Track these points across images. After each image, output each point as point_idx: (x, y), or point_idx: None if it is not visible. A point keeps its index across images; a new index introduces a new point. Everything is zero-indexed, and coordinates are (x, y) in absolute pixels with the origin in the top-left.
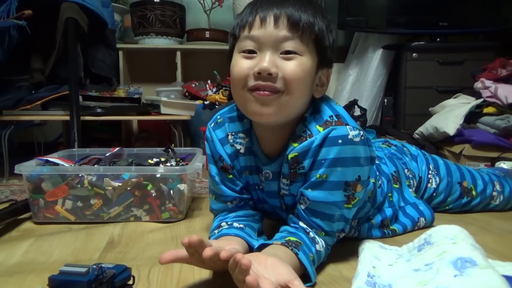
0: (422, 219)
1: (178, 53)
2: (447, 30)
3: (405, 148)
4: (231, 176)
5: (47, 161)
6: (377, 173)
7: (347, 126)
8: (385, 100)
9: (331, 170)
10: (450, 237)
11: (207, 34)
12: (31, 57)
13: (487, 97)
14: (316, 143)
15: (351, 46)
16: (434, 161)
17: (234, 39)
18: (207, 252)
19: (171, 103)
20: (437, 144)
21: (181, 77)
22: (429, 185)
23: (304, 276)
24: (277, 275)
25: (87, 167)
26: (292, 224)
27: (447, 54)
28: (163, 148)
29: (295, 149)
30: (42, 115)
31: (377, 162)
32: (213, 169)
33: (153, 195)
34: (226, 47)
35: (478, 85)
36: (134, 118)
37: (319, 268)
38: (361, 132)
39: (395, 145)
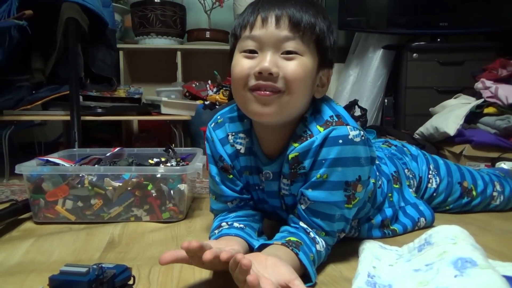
0: (422, 219)
1: (179, 53)
2: (447, 30)
3: (405, 148)
4: (231, 176)
5: (47, 161)
6: (377, 173)
7: (348, 126)
8: (386, 100)
9: (331, 170)
10: (450, 237)
11: (208, 34)
12: (32, 57)
13: (488, 97)
14: (316, 143)
15: (352, 46)
16: (434, 161)
17: (235, 39)
18: (207, 256)
19: (171, 103)
20: (437, 144)
21: (181, 77)
22: (429, 185)
23: (305, 276)
24: (278, 275)
25: (87, 167)
26: (292, 224)
27: (447, 54)
28: (164, 148)
29: (295, 149)
30: (43, 115)
31: (377, 162)
32: (213, 169)
33: (153, 195)
34: (226, 47)
35: (478, 85)
36: (135, 118)
37: (320, 268)
38: (362, 132)
39: (395, 145)
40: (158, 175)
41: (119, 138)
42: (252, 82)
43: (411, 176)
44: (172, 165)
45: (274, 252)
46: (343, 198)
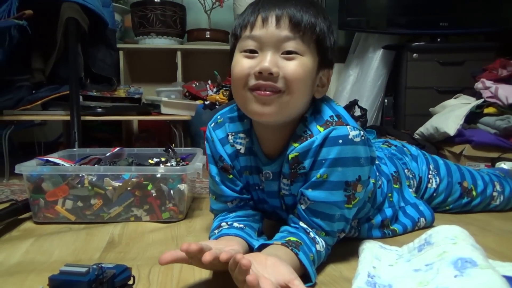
0: (422, 219)
1: (179, 53)
2: (447, 30)
3: (405, 148)
4: (231, 176)
5: (47, 161)
6: (377, 174)
7: (348, 126)
8: (386, 100)
9: (331, 170)
10: (450, 238)
11: (208, 34)
12: (32, 57)
13: (488, 97)
14: (316, 143)
15: (352, 46)
16: (434, 161)
17: (236, 39)
18: (207, 257)
19: (171, 103)
20: (437, 144)
21: (181, 77)
22: (429, 185)
23: (304, 276)
24: (277, 275)
25: (87, 167)
26: (292, 224)
27: (447, 55)
28: (164, 148)
29: (295, 149)
30: (43, 115)
31: (377, 162)
32: (213, 169)
33: (153, 195)
34: (226, 47)
35: (478, 85)
36: (135, 118)
37: (319, 268)
38: (362, 132)
39: (395, 145)
40: (158, 175)
41: (119, 138)
42: (252, 81)
43: (411, 176)
44: (172, 165)
45: (274, 252)
46: (343, 198)
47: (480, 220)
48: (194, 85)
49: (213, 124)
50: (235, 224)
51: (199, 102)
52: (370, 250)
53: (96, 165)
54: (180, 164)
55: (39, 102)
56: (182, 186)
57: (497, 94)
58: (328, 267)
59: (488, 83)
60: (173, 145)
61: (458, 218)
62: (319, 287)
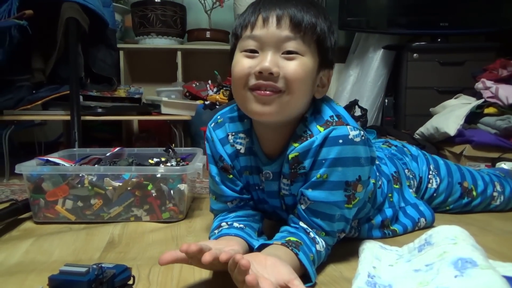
0: (422, 219)
1: (179, 53)
2: (448, 30)
3: (405, 149)
4: (231, 176)
5: (47, 161)
6: (377, 174)
7: (348, 126)
8: (386, 101)
9: (331, 170)
10: (450, 238)
11: (208, 34)
12: (32, 57)
13: (488, 97)
14: (316, 143)
15: (352, 46)
16: (434, 162)
17: (236, 39)
18: (206, 258)
19: (171, 103)
20: (437, 144)
21: (181, 77)
22: (429, 185)
23: (304, 277)
24: (277, 275)
25: (87, 167)
26: (292, 224)
27: (448, 55)
28: (164, 148)
29: (295, 149)
30: (43, 115)
31: (377, 162)
32: (214, 169)
33: (153, 195)
34: (226, 47)
35: (479, 85)
36: (135, 118)
37: (320, 268)
38: (362, 132)
39: (396, 146)
40: (158, 175)
41: (119, 138)
42: (253, 81)
43: (411, 176)
44: (172, 165)
45: (273, 252)
46: (343, 198)
47: (480, 220)
48: (194, 85)
49: (213, 124)
50: (235, 224)
51: (199, 102)
52: (370, 250)
53: (96, 165)
54: (180, 164)
55: (39, 102)
56: (182, 186)
57: (497, 94)
58: (328, 267)
59: (489, 83)
60: (173, 145)
61: (458, 218)
62: (319, 287)
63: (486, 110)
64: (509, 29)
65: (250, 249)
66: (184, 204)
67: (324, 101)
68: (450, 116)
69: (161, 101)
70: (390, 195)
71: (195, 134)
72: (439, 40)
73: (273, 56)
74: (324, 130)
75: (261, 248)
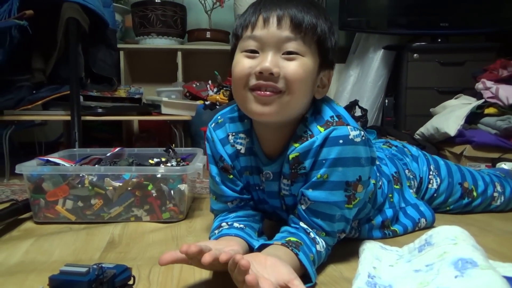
0: (422, 219)
1: (179, 53)
2: (448, 30)
3: (405, 149)
4: (231, 176)
5: (48, 161)
6: (378, 174)
7: (348, 127)
8: (386, 101)
9: (332, 170)
10: (450, 238)
11: (208, 34)
12: (32, 57)
13: (488, 97)
14: (317, 143)
15: (352, 47)
16: (435, 162)
17: (237, 39)
18: (206, 258)
19: (172, 103)
20: (438, 144)
21: (182, 77)
22: (430, 185)
23: (305, 277)
24: (277, 275)
25: (87, 167)
26: (292, 225)
27: (448, 55)
28: (164, 148)
29: (296, 149)
30: (43, 115)
31: (377, 163)
32: (214, 169)
33: (153, 195)
34: (227, 47)
35: (479, 85)
36: (135, 118)
37: (320, 269)
38: (362, 133)
39: (396, 146)
40: (159, 175)
41: (119, 138)
42: (253, 81)
43: (411, 176)
44: (172, 165)
45: (274, 252)
46: (343, 198)
47: (481, 220)
48: (194, 85)
49: (213, 124)
50: (235, 224)
51: (199, 102)
52: (371, 250)
53: (96, 165)
54: (181, 164)
55: (40, 102)
56: (183, 186)
57: (497, 94)
58: (329, 268)
59: (489, 83)
60: (173, 145)
61: (458, 218)
62: (319, 287)
63: (487, 111)
64: (509, 29)
65: (250, 249)
66: (184, 204)
67: (324, 101)
68: (450, 116)
69: (161, 101)
70: (390, 195)
71: (195, 134)
72: (439, 40)
73: (274, 56)
74: (324, 130)
75: (261, 248)
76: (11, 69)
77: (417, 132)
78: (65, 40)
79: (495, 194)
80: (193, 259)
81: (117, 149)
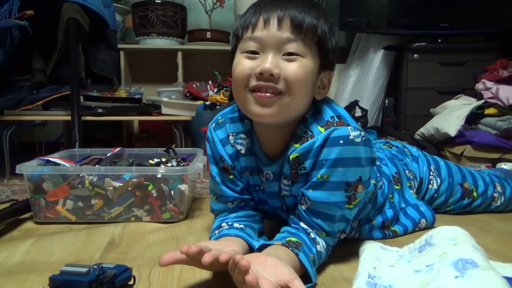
0: (423, 220)
1: (179, 54)
2: (448, 31)
3: (406, 149)
4: (231, 176)
5: (48, 161)
6: (378, 174)
7: (348, 127)
8: (386, 101)
9: (332, 170)
10: (451, 238)
11: (208, 35)
12: (33, 57)
13: (489, 98)
14: (317, 143)
15: (352, 47)
16: (435, 162)
17: (237, 40)
18: (206, 259)
19: (172, 104)
20: (438, 145)
21: (182, 77)
22: (430, 186)
23: (305, 277)
24: (277, 275)
25: (88, 167)
26: (292, 225)
27: (448, 55)
28: (164, 149)
29: (296, 149)
30: (43, 115)
31: (378, 163)
32: (214, 170)
33: (154, 195)
34: (227, 47)
35: (479, 86)
36: (135, 119)
37: (320, 269)
38: (362, 133)
39: (396, 146)
40: (159, 176)
41: (119, 138)
42: (253, 82)
43: (412, 177)
44: (172, 166)
45: (274, 252)
46: (343, 198)
47: (481, 221)
48: (194, 86)
49: (214, 124)
50: (236, 225)
51: (199, 102)
52: (371, 250)
53: (96, 165)
54: (181, 164)
55: (40, 102)
56: (183, 187)
57: (498, 95)
58: (329, 268)
59: (489, 84)
60: (173, 145)
61: (458, 219)
62: (319, 287)
63: (487, 111)
64: (509, 30)
65: (251, 249)
66: (184, 204)
67: (325, 102)
68: (450, 116)
69: (161, 102)
70: (390, 195)
71: (195, 135)
72: (439, 40)
73: (274, 57)
74: (324, 130)
75: (261, 248)
76: (11, 69)
77: (417, 132)
78: (65, 40)
79: (495, 195)
80: (193, 259)
81: (118, 149)
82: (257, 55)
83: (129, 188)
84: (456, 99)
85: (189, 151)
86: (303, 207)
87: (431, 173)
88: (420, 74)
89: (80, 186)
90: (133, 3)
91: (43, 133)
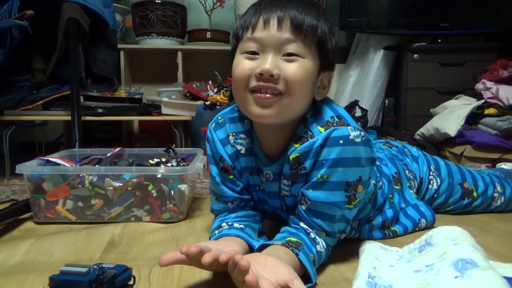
0: (423, 220)
1: (179, 54)
2: (448, 31)
3: (406, 149)
4: (231, 176)
5: (48, 161)
6: (378, 175)
7: (348, 127)
8: (386, 101)
9: (332, 170)
10: (451, 238)
11: (208, 35)
12: (33, 57)
13: (488, 98)
14: (317, 143)
15: (352, 47)
16: (435, 162)
17: (237, 40)
18: (206, 259)
19: (172, 104)
20: (438, 145)
21: (182, 77)
22: (430, 186)
23: (305, 277)
24: (277, 275)
25: (88, 167)
26: (292, 225)
27: (448, 55)
28: (164, 149)
29: (296, 149)
30: (43, 115)
31: (377, 163)
32: (214, 170)
33: (153, 195)
34: (227, 47)
35: (479, 86)
36: (135, 119)
37: (320, 269)
38: (362, 133)
39: (396, 146)
40: (159, 176)
41: (119, 138)
42: (253, 83)
43: (412, 177)
44: (172, 166)
45: (274, 252)
46: (343, 198)
47: (481, 221)
48: (194, 86)
49: (214, 124)
50: (236, 225)
51: (199, 102)
52: (371, 250)
53: (96, 165)
54: (181, 164)
55: (40, 102)
56: (183, 187)
57: (498, 95)
58: (329, 268)
59: (489, 84)
60: (173, 145)
61: (458, 219)
62: (319, 287)
63: (487, 111)
64: (509, 30)
65: (251, 249)
66: (184, 204)
67: (325, 102)
68: (450, 116)
69: (161, 102)
70: (390, 196)
71: (195, 135)
72: (439, 40)
73: (274, 58)
74: (324, 130)
75: (261, 248)
76: (11, 69)
77: (417, 132)
78: (65, 40)
79: (495, 195)
80: (193, 259)
81: (117, 149)
82: (257, 56)
83: (129, 188)
84: (456, 99)
85: (189, 151)
86: (303, 207)
87: (431, 173)
88: (420, 74)
89: (80, 186)
90: (133, 3)
91: (43, 133)
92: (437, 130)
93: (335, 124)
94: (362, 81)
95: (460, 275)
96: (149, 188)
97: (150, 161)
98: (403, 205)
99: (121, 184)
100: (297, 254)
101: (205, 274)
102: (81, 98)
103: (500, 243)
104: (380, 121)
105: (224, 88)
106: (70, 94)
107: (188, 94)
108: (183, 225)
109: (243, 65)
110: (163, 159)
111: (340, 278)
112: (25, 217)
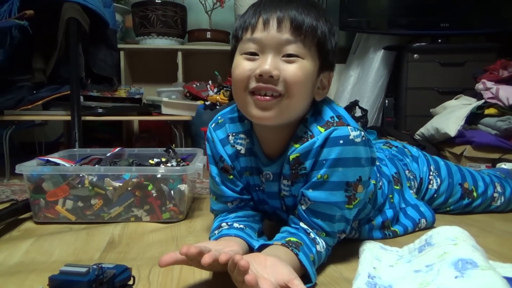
0: (423, 220)
1: (179, 54)
2: (448, 31)
3: (406, 149)
4: (231, 176)
5: (48, 161)
6: (378, 175)
7: (348, 127)
8: (386, 101)
9: (332, 170)
10: (451, 238)
11: (208, 35)
12: (33, 57)
13: (489, 98)
14: (317, 143)
15: (352, 47)
16: (435, 162)
17: (236, 41)
18: (206, 260)
19: (172, 104)
20: (438, 145)
21: (182, 77)
22: (430, 186)
23: (305, 277)
24: (277, 275)
25: (88, 167)
26: (292, 225)
27: (448, 55)
28: (164, 149)
29: (296, 150)
30: (43, 115)
31: (377, 163)
32: (214, 170)
33: (153, 195)
34: (227, 47)
35: (479, 86)
36: (135, 118)
37: (320, 269)
38: (362, 133)
39: (396, 146)
40: (159, 176)
41: (119, 138)
42: (253, 84)
43: (411, 177)
44: (172, 166)
45: (274, 252)
46: (343, 198)
47: (481, 221)
48: (194, 86)
49: (213, 124)
50: (235, 225)
51: (199, 102)
52: (371, 251)
53: (96, 165)
54: (181, 164)
55: (40, 102)
56: (183, 187)
57: (498, 95)
58: (329, 268)
59: (489, 84)
60: (173, 145)
61: (458, 219)
62: (319, 287)
63: (487, 111)
64: (509, 30)
65: (250, 249)
66: (184, 204)
67: (325, 102)
68: (450, 116)
69: (161, 102)
70: (390, 196)
71: (195, 135)
72: (439, 40)
73: (274, 59)
74: (324, 130)
75: (261, 248)
76: (11, 69)
77: (417, 132)
78: (65, 40)
79: (495, 195)
80: (193, 260)
81: (117, 149)
82: (257, 57)
83: (129, 188)
84: (456, 99)
85: (189, 151)
86: (303, 207)
87: (431, 173)
88: (420, 74)
89: (80, 186)
90: (133, 3)
91: (43, 133)
92: (437, 130)
93: (335, 124)
94: (362, 81)
95: (460, 275)
96: (149, 188)
97: (150, 161)
98: (403, 205)
99: (121, 184)
100: (297, 254)
101: (205, 274)
102: (81, 98)
103: (500, 243)
104: (380, 121)
105: (224, 88)
106: (70, 94)
107: (188, 94)
108: (183, 225)
109: (242, 66)
110: (163, 159)
111: (340, 278)
112: (25, 217)
